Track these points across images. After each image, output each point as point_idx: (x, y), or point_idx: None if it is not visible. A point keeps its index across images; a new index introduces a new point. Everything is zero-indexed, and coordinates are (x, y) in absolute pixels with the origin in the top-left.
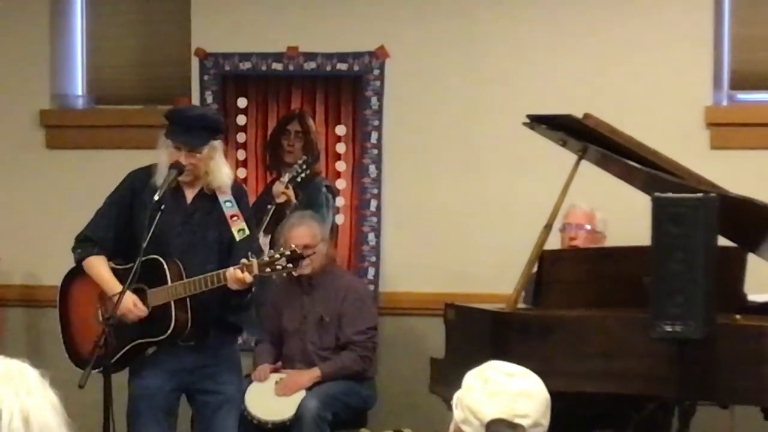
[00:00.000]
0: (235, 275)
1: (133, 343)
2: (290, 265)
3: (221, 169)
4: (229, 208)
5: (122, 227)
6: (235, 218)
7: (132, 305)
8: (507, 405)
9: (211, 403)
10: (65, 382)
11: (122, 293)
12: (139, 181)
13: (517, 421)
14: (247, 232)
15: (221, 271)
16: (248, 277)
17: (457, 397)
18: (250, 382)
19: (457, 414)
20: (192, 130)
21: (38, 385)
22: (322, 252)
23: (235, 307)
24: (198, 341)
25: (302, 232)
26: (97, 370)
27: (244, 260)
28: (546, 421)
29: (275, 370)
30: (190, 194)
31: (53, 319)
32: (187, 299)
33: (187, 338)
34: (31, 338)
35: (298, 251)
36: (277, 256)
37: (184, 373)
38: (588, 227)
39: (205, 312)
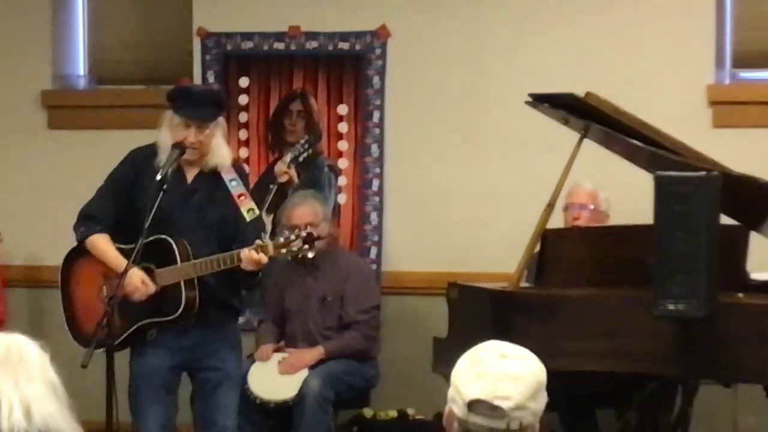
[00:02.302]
0: (251, 256)
1: (141, 323)
2: (306, 246)
3: (221, 148)
4: (235, 187)
5: (123, 205)
6: (242, 197)
7: (140, 282)
8: (489, 387)
9: (211, 379)
10: (68, 361)
11: (125, 272)
12: (140, 160)
13: (497, 402)
14: (257, 212)
15: (235, 252)
16: (264, 258)
17: (452, 374)
18: (253, 362)
19: (449, 392)
20: (201, 104)
21: (38, 367)
22: (325, 231)
23: (245, 288)
24: (198, 320)
25: (304, 211)
26: (101, 350)
27: (258, 241)
28: (535, 405)
29: (278, 350)
30: (190, 174)
31: (56, 299)
32: (195, 279)
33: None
34: (34, 318)
35: (315, 234)
36: (293, 237)
37: (185, 351)
38: (591, 207)
39: (210, 292)
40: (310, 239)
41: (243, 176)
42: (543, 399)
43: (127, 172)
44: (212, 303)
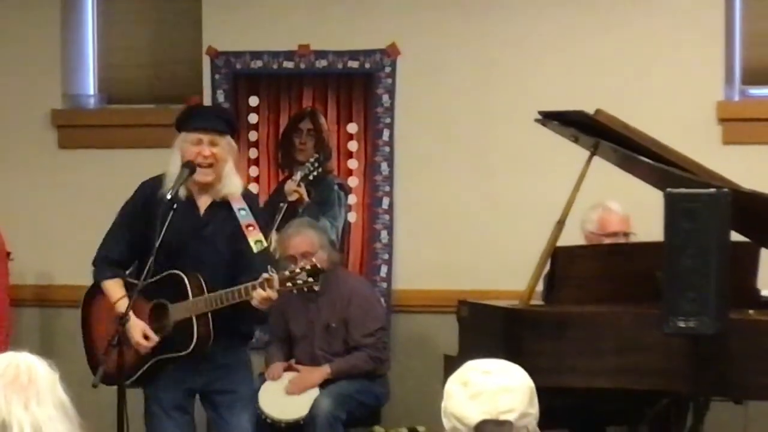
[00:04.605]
0: (261, 294)
1: (155, 359)
2: (311, 279)
3: (233, 176)
4: (243, 216)
5: (137, 238)
6: (251, 228)
7: (141, 337)
8: (489, 404)
9: (224, 402)
10: (79, 381)
11: (122, 318)
12: (149, 191)
13: (502, 418)
14: (265, 243)
15: (244, 286)
16: (273, 294)
17: (443, 406)
18: (264, 381)
19: (446, 423)
20: (211, 118)
21: (49, 388)
22: (323, 259)
23: (255, 320)
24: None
25: (299, 240)
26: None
27: (265, 275)
28: (534, 410)
29: (289, 368)
30: (203, 205)
31: (67, 318)
32: (209, 314)
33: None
34: (44, 338)
35: (319, 266)
36: (298, 270)
37: (195, 375)
38: (629, 231)
39: (226, 324)
40: (315, 272)
41: (253, 202)
42: (537, 403)
43: (137, 204)
44: (225, 332)
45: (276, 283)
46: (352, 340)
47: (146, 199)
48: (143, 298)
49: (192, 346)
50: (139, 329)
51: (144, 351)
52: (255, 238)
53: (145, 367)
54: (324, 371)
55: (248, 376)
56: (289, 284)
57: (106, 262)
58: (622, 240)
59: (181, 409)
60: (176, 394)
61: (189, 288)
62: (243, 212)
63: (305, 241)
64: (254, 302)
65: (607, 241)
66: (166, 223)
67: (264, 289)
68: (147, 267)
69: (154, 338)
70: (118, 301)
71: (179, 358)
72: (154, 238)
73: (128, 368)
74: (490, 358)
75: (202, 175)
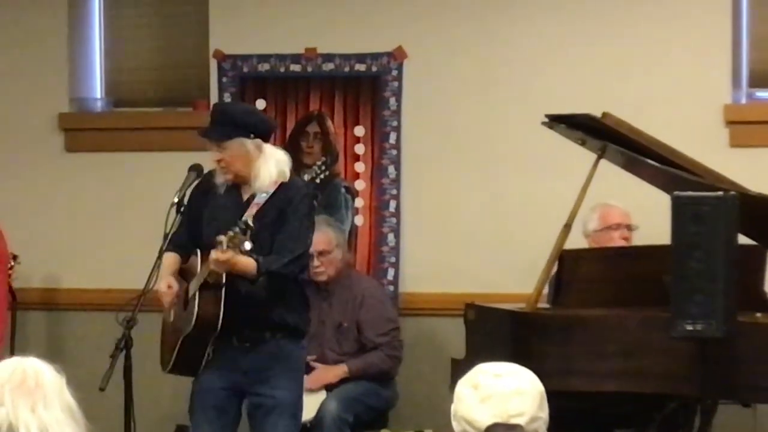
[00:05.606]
0: (212, 257)
1: (180, 340)
2: (244, 236)
3: (266, 172)
4: (262, 198)
5: (195, 226)
6: (254, 207)
7: (165, 286)
8: (499, 407)
9: (262, 406)
10: (87, 384)
11: (144, 292)
12: (206, 181)
13: (513, 421)
14: (250, 222)
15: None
16: (222, 255)
17: (452, 410)
18: None
19: (456, 426)
20: (213, 122)
21: (55, 391)
22: (338, 258)
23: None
24: (253, 343)
25: (317, 238)
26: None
27: (219, 237)
28: (544, 413)
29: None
30: (245, 194)
31: (73, 321)
32: (221, 293)
33: (243, 339)
34: (51, 341)
35: (251, 222)
36: (237, 230)
37: (238, 374)
38: (631, 224)
39: (254, 309)
40: (247, 228)
41: (294, 194)
42: (547, 407)
43: (194, 194)
44: (264, 324)
45: (224, 243)
46: (367, 341)
47: (201, 189)
48: (184, 280)
49: (192, 323)
50: (164, 280)
51: (166, 301)
52: (249, 214)
53: (176, 351)
54: (341, 369)
55: (293, 380)
56: (230, 244)
57: (168, 242)
58: (626, 232)
59: (219, 408)
60: (216, 393)
61: (200, 265)
62: (264, 195)
63: (323, 238)
64: (212, 266)
65: (612, 233)
66: (173, 222)
67: (214, 253)
68: (155, 263)
69: (175, 287)
70: (161, 272)
71: (214, 348)
72: (206, 228)
73: (168, 351)
74: (498, 362)
75: (220, 175)
